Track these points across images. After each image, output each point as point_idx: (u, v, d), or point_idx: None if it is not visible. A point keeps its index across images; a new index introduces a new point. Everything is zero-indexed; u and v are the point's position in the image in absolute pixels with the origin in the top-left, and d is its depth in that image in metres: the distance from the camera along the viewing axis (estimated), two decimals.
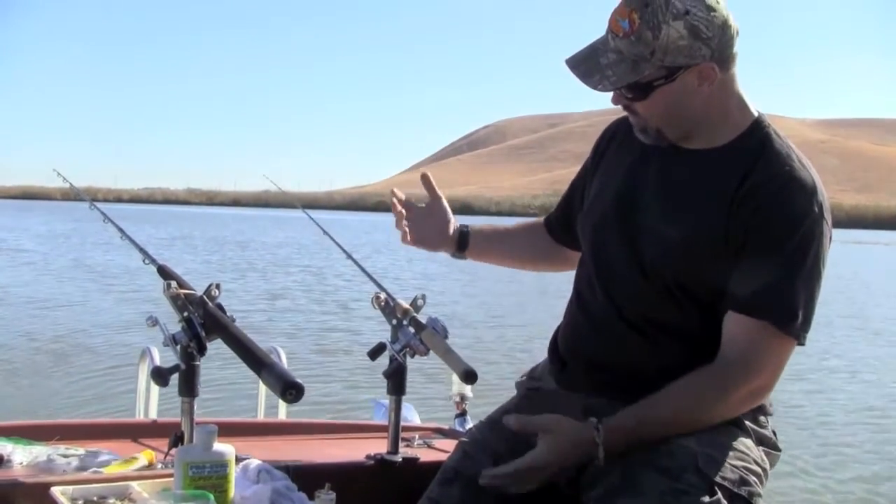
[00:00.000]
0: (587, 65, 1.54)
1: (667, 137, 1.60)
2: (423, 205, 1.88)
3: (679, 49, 1.48)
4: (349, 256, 2.09)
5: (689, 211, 1.57)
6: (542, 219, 2.00)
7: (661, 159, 1.64)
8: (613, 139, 1.78)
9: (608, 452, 1.49)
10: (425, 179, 1.91)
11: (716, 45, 1.50)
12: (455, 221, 1.91)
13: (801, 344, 1.54)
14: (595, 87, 1.53)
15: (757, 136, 1.59)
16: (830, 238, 1.57)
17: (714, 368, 1.53)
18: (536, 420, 1.54)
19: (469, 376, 1.45)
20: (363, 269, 2.02)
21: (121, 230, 1.80)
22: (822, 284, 1.54)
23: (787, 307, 1.51)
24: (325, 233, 2.20)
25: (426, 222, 1.87)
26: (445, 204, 1.89)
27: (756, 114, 1.61)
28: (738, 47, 1.54)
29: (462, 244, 1.91)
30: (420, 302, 1.82)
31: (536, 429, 1.53)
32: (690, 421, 1.53)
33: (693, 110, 1.56)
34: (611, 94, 1.56)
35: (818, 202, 1.53)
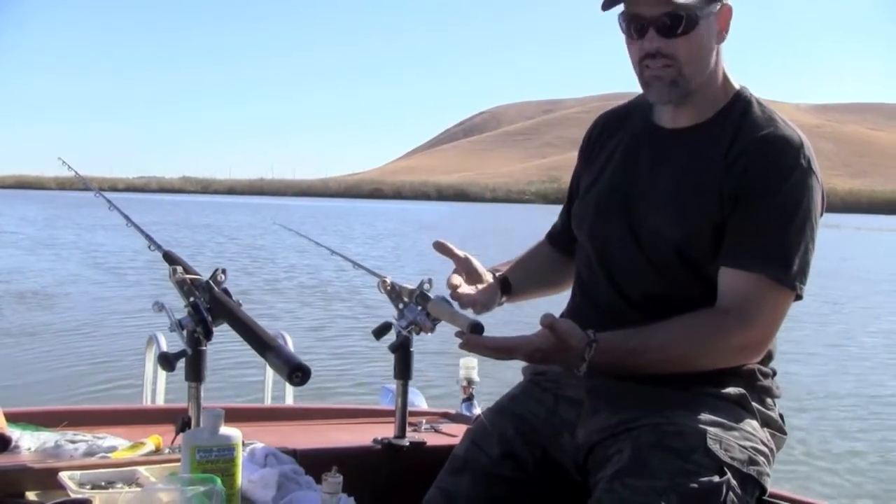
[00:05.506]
0: None
1: (677, 90, 1.59)
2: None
3: None
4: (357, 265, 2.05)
5: (683, 187, 1.60)
6: (544, 238, 1.95)
7: (651, 142, 1.67)
8: (602, 133, 1.79)
9: (590, 368, 1.50)
10: (440, 247, 1.80)
11: None
12: (485, 271, 1.82)
13: (799, 297, 1.55)
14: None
15: (739, 105, 1.63)
16: (823, 194, 1.60)
17: (711, 312, 1.55)
18: (556, 321, 1.50)
19: (475, 327, 1.48)
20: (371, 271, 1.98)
21: (126, 217, 1.81)
22: (816, 237, 1.56)
23: (781, 258, 1.53)
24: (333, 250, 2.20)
25: (469, 281, 1.78)
26: (474, 261, 1.80)
27: (738, 87, 1.66)
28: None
29: (505, 289, 1.83)
30: (427, 286, 1.81)
31: (548, 324, 1.47)
32: (680, 358, 1.54)
33: (708, 61, 1.60)
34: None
35: (805, 156, 1.56)
